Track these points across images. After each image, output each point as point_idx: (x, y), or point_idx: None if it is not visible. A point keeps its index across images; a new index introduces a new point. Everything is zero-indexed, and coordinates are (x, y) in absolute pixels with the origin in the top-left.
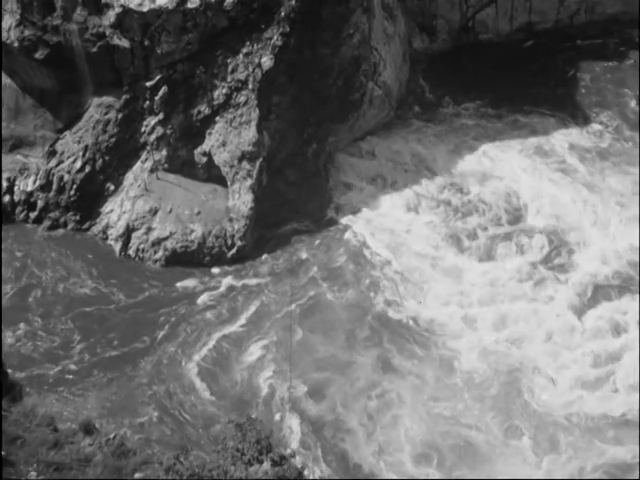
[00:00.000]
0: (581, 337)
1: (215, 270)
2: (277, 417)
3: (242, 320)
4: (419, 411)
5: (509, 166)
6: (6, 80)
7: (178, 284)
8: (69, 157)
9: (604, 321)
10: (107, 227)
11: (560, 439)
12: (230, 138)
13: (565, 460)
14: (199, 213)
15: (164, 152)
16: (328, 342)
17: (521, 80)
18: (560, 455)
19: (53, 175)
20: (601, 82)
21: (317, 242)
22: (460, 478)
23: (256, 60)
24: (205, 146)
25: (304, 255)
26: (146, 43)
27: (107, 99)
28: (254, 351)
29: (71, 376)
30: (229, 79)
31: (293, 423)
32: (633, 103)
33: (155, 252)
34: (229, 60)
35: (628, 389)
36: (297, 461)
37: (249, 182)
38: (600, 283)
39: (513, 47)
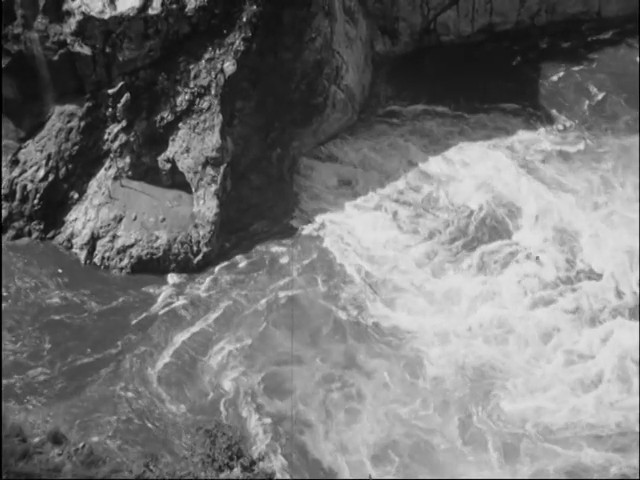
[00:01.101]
0: (565, 355)
1: (181, 276)
2: (244, 414)
3: (210, 324)
4: (381, 411)
5: (479, 169)
6: None
7: (144, 290)
8: (32, 166)
9: (594, 341)
10: (72, 236)
11: (521, 446)
12: (194, 144)
13: (523, 466)
14: (164, 220)
15: (128, 159)
16: (293, 337)
17: (483, 81)
18: (520, 461)
19: (16, 184)
20: (561, 82)
21: (283, 246)
22: (420, 478)
23: (218, 65)
24: (169, 152)
25: (270, 259)
26: (108, 50)
27: (69, 107)
28: (222, 353)
29: (39, 385)
30: (192, 85)
31: (255, 419)
32: (591, 102)
33: (120, 260)
34: (191, 66)
35: (603, 407)
36: (267, 465)
37: (214, 188)
38: (594, 300)
39: (475, 48)
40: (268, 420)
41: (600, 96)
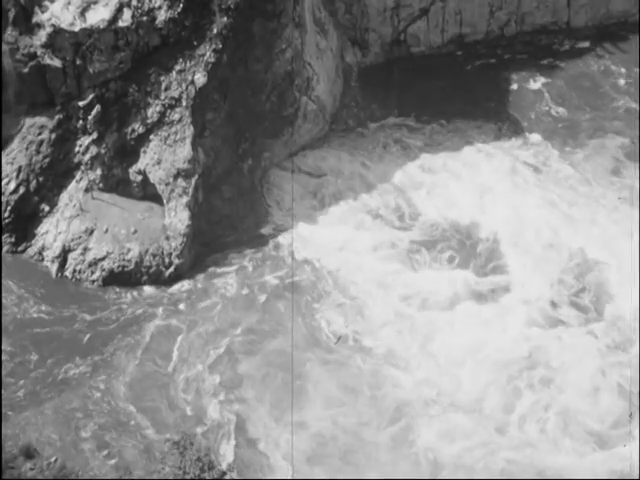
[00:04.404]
0: (539, 409)
1: (153, 288)
2: (211, 412)
3: (182, 333)
4: (324, 414)
5: (455, 180)
6: None
7: (119, 302)
8: (2, 179)
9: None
10: (43, 248)
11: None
12: (165, 156)
13: None
14: (135, 232)
15: (99, 171)
16: (256, 329)
17: (454, 92)
18: None
19: None
20: (531, 92)
21: (254, 258)
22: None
23: (189, 77)
24: (140, 164)
25: (242, 270)
26: (78, 62)
27: (40, 119)
28: (189, 363)
29: (19, 398)
30: (162, 97)
31: (220, 416)
32: (559, 111)
33: (92, 272)
34: (162, 78)
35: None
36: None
37: (185, 199)
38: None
39: (445, 59)
40: (234, 418)
41: (568, 104)
